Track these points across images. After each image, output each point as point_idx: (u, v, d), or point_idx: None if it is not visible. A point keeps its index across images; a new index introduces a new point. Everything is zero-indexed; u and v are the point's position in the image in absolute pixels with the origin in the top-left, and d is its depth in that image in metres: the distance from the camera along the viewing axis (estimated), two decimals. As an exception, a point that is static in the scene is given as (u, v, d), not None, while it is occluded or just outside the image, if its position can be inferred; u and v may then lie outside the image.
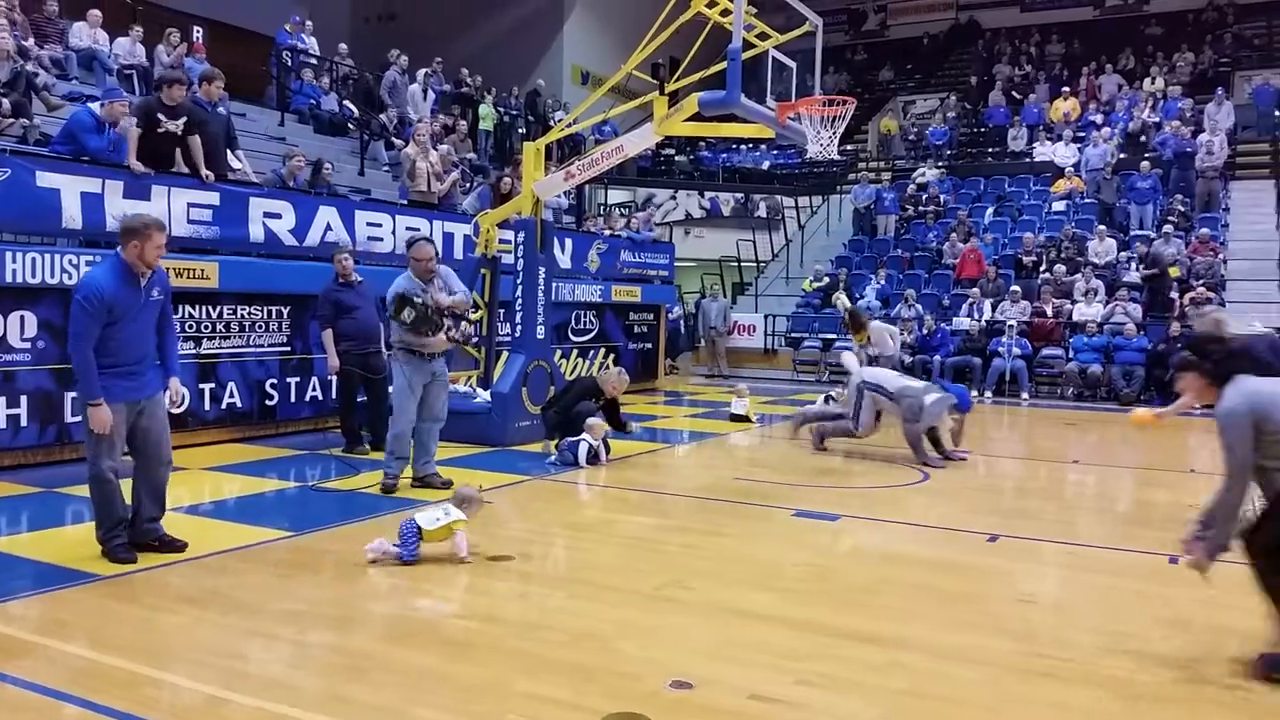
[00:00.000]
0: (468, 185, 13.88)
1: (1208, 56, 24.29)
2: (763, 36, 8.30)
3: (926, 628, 4.47)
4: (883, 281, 18.46)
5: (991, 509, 7.08)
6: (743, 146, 23.53)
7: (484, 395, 9.58)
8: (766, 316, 19.16)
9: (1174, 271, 16.23)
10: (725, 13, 8.13)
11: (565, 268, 13.18)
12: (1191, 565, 4.03)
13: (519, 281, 9.44)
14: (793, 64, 8.50)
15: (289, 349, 9.74)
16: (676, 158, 23.69)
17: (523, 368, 9.34)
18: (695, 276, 21.32)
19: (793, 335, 18.65)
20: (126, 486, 5.31)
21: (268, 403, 9.58)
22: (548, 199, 9.78)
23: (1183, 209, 18.41)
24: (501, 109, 19.71)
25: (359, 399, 8.81)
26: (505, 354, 9.76)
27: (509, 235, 9.76)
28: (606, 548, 5.92)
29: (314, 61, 17.09)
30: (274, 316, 9.61)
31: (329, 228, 10.13)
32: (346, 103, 16.86)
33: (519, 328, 9.55)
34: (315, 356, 9.79)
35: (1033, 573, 5.70)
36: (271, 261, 9.61)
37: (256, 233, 9.46)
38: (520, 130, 19.37)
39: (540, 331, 9.60)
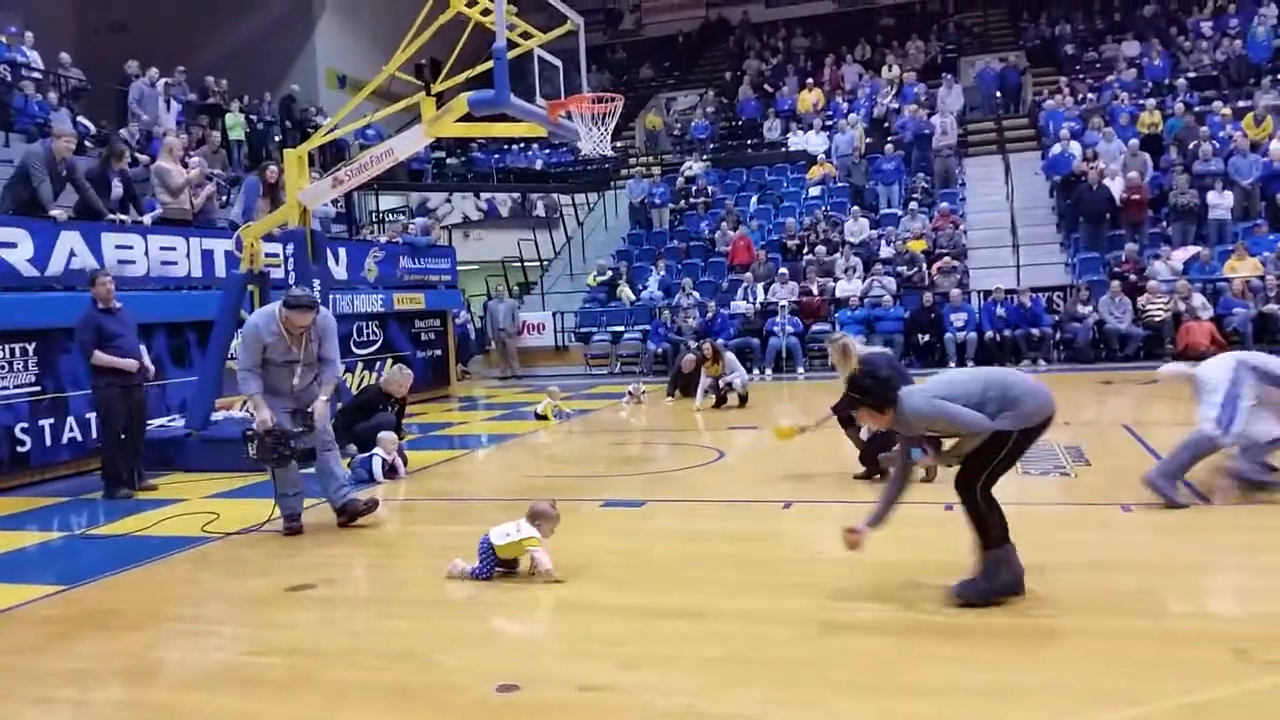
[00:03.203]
0: (225, 198, 13.11)
1: (935, 45, 26.44)
2: (526, 36, 8.30)
3: (736, 596, 4.65)
4: (663, 272, 18.96)
5: (781, 478, 7.42)
6: (515, 146, 23.52)
7: (266, 419, 9.08)
8: (554, 314, 19.25)
9: (919, 245, 17.59)
10: (486, 12, 8.08)
11: (341, 279, 12.72)
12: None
13: (293, 296, 9.00)
14: (559, 63, 8.57)
15: (39, 389, 8.88)
16: (448, 160, 23.34)
17: (306, 386, 8.91)
18: (479, 279, 21.11)
19: (582, 330, 18.84)
20: None
21: (19, 450, 8.69)
22: (315, 208, 9.38)
23: (925, 186, 19.98)
24: (253, 116, 18.73)
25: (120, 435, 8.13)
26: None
27: (276, 249, 9.30)
28: (415, 562, 5.75)
29: (38, 76, 15.62)
30: (18, 355, 8.73)
31: (73, 254, 9.30)
32: (82, 119, 15.51)
33: (298, 345, 9.10)
34: (70, 395, 8.98)
35: (824, 533, 6.03)
36: (9, 295, 8.72)
37: (-13, 265, 8.58)
38: (277, 138, 18.48)
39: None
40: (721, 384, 12.18)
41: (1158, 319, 14.78)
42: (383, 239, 15.08)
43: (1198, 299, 14.78)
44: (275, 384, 6.26)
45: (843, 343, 7.34)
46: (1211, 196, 16.76)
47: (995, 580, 4.27)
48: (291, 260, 9.00)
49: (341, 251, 13.13)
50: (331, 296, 10.35)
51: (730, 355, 12.68)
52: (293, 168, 8.99)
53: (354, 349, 13.26)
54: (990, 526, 4.28)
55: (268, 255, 9.54)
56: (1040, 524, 5.88)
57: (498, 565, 5.05)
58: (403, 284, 14.48)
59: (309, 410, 6.33)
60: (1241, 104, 19.53)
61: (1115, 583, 4.53)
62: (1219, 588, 4.24)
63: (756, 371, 15.81)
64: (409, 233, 15.82)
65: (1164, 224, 17.33)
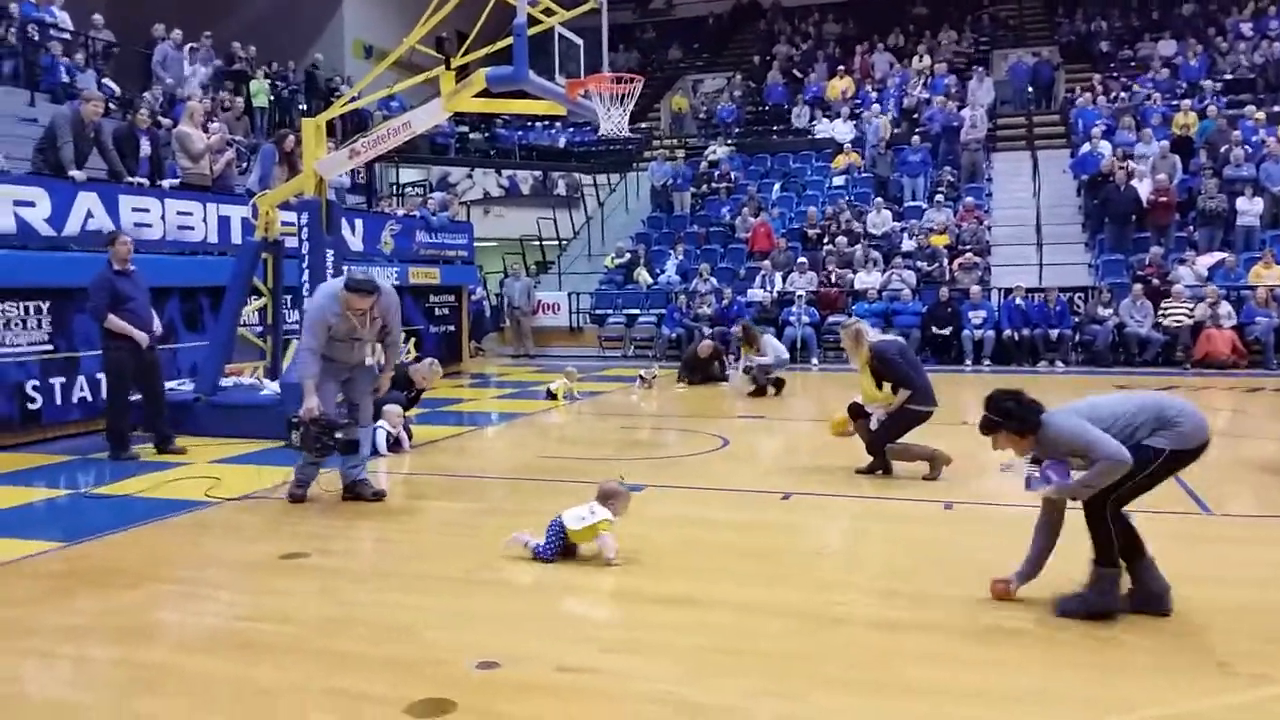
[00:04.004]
0: (244, 165, 13.14)
1: (968, 36, 26.12)
2: (548, 12, 8.23)
3: (729, 586, 4.63)
4: (681, 256, 18.89)
5: (785, 469, 7.39)
6: (539, 124, 23.43)
7: (272, 387, 9.13)
8: (570, 294, 19.22)
9: (942, 240, 17.43)
10: (509, -15, 8.02)
11: (357, 250, 12.73)
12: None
13: (305, 266, 9.01)
14: (580, 41, 8.49)
15: (51, 348, 8.94)
16: (471, 135, 23.28)
17: (314, 356, 8.93)
18: (497, 256, 21.12)
19: (597, 312, 18.82)
20: None
21: (30, 407, 8.77)
22: (331, 178, 9.37)
23: (951, 180, 19.78)
24: (280, 84, 18.74)
25: (131, 398, 8.18)
26: (293, 343, 9.32)
27: (291, 217, 9.31)
28: (414, 536, 5.78)
29: (66, 37, 15.67)
30: (32, 313, 8.79)
31: (90, 215, 9.34)
32: (107, 80, 15.57)
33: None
34: (82, 355, 9.04)
35: (823, 527, 6.01)
36: (26, 253, 8.78)
37: (7, 223, 8.63)
38: (301, 107, 18.49)
39: (332, 318, 9.21)
40: (756, 365, 11.99)
41: (1178, 325, 14.60)
42: (400, 212, 15.07)
43: (1224, 306, 14.58)
44: (337, 355, 6.31)
45: (855, 328, 7.31)
46: (1241, 202, 16.51)
47: (1099, 599, 4.06)
48: (306, 230, 9.01)
49: (358, 223, 13.14)
50: (346, 268, 10.38)
51: (769, 337, 12.49)
52: (310, 137, 8.98)
53: (367, 322, 13.27)
54: (1109, 544, 4.04)
55: (283, 224, 9.57)
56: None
57: (562, 548, 4.98)
58: (418, 258, 14.48)
59: (356, 403, 6.49)
60: (1277, 109, 19.20)
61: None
62: (1216, 599, 4.18)
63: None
64: (426, 207, 15.80)
65: (1191, 228, 17.09)
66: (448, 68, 8.20)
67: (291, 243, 9.40)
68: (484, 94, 8.00)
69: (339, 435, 6.22)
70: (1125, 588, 4.13)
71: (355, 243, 12.74)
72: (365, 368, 6.53)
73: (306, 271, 9.04)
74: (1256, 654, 3.69)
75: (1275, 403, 10.87)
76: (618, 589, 4.63)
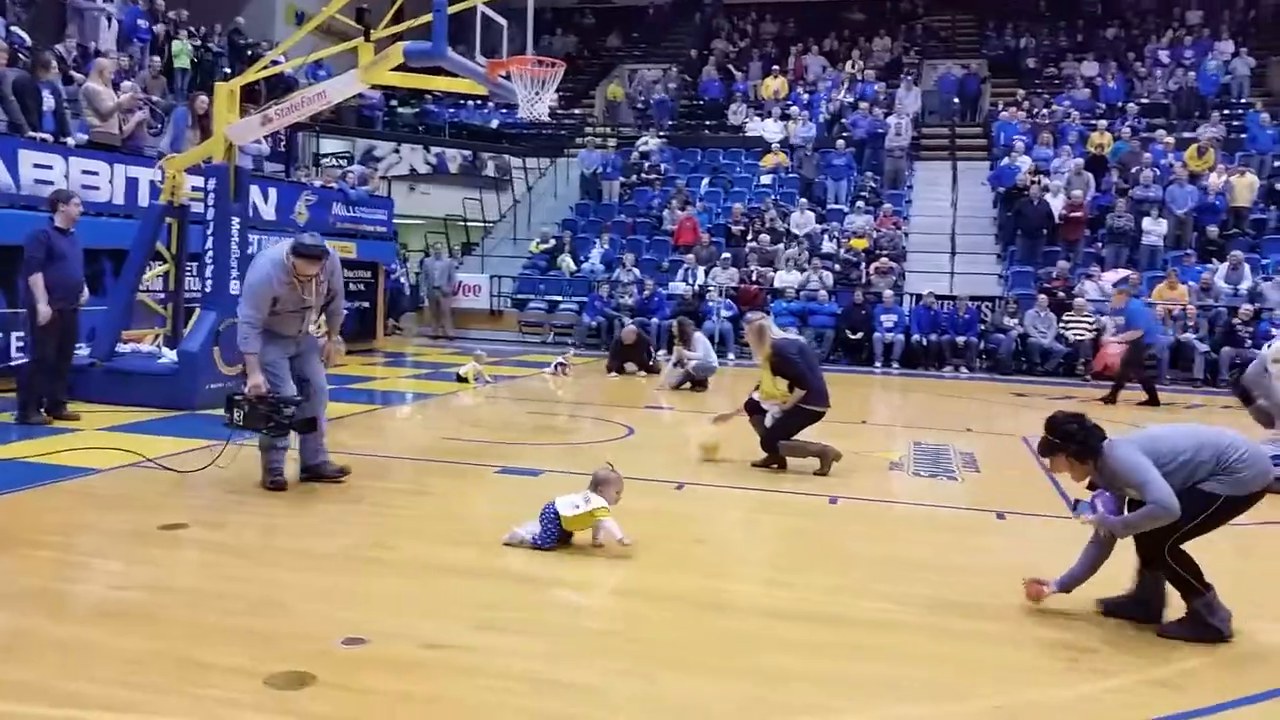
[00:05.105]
0: (158, 126, 12.77)
1: (900, 45, 26.58)
2: (473, -10, 8.18)
3: (611, 570, 4.70)
4: (606, 245, 18.91)
5: (684, 460, 7.48)
6: (471, 103, 23.16)
7: (170, 355, 8.93)
8: (492, 277, 19.11)
9: (861, 243, 17.76)
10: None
11: (270, 219, 12.48)
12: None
13: (210, 233, 8.82)
14: (504, 21, 8.45)
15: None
16: (400, 110, 22.91)
17: (214, 325, 8.74)
18: (420, 235, 20.86)
19: (519, 296, 18.75)
20: None
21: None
22: (244, 144, 9.18)
23: (873, 185, 20.15)
24: (207, 46, 18.20)
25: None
26: (196, 311, 9.13)
27: (199, 182, 9.10)
28: (303, 512, 5.69)
29: (-28, -19, 15.01)
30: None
31: (-14, 168, 9.02)
32: (17, 30, 14.95)
33: (210, 282, 8.91)
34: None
35: (713, 516, 6.11)
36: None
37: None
38: (226, 71, 18.00)
39: (234, 286, 9.02)
40: (686, 358, 12.05)
41: (1079, 338, 15.11)
42: (318, 183, 14.79)
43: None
44: (280, 329, 5.95)
45: (759, 324, 7.45)
46: (1146, 222, 17.16)
47: (1205, 629, 3.98)
48: (213, 196, 8.82)
49: (272, 192, 12.87)
50: (257, 239, 10.21)
51: (699, 335, 12.58)
52: (222, 101, 8.79)
53: (279, 293, 13.03)
54: (1190, 580, 3.98)
55: (191, 189, 9.34)
56: (915, 524, 6.04)
57: (559, 537, 4.91)
58: (334, 231, 14.23)
59: (307, 378, 6.11)
60: (1186, 135, 19.96)
61: (973, 585, 4.65)
62: (1075, 597, 4.36)
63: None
64: (345, 180, 15.54)
65: (1099, 245, 17.69)
66: (367, 39, 8.11)
67: (198, 208, 9.19)
68: (402, 68, 7.92)
69: (290, 413, 5.88)
70: (1125, 588, 4.19)
71: (269, 212, 12.49)
72: (311, 338, 6.21)
73: (211, 239, 8.86)
74: (1102, 650, 3.87)
75: (1167, 417, 11.32)
76: (502, 570, 4.66)
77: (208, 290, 9.00)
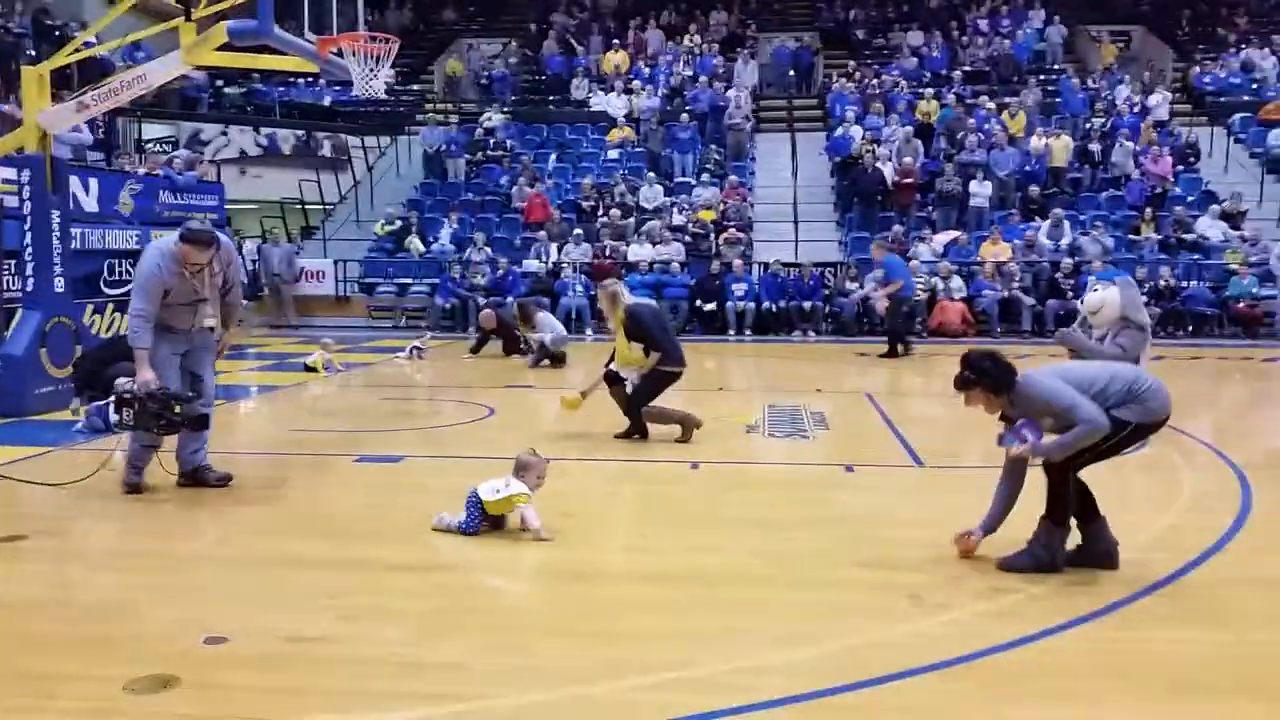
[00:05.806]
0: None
1: (736, 18, 27.06)
2: (300, -35, 7.91)
3: (465, 549, 4.73)
4: (455, 225, 18.63)
5: (546, 435, 7.52)
6: (302, 81, 22.28)
7: (-10, 358, 8.35)
8: (337, 262, 18.53)
9: (710, 215, 18.11)
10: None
11: (92, 211, 11.75)
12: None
13: (28, 228, 8.27)
14: (334, -2, 8.22)
15: None
16: (226, 90, 21.83)
17: (39, 326, 8.23)
18: (255, 220, 20.01)
19: (366, 281, 18.28)
20: None
21: None
22: (59, 133, 8.63)
23: (717, 158, 20.53)
24: (6, 28, 16.92)
25: None
26: (18, 311, 8.55)
27: (12, 174, 8.50)
28: (145, 516, 5.46)
29: None
30: None
31: None
32: None
33: (31, 280, 8.38)
34: None
35: (576, 489, 6.18)
36: None
37: None
38: (31, 53, 16.78)
39: (59, 284, 8.51)
40: (533, 340, 12.07)
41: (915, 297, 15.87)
42: (142, 171, 14.00)
43: (956, 281, 16.03)
44: (173, 322, 5.66)
45: (612, 290, 7.54)
46: (973, 185, 18.12)
47: (1046, 554, 4.23)
48: (28, 189, 8.27)
49: (93, 182, 12.05)
50: (80, 232, 9.63)
51: (544, 314, 12.60)
52: (31, 87, 8.24)
53: (105, 289, 12.29)
54: (1065, 504, 4.22)
55: (3, 182, 8.73)
56: (771, 483, 6.29)
57: (485, 521, 4.84)
58: (161, 220, 13.50)
59: (199, 375, 5.82)
60: (1007, 100, 21.15)
61: (823, 535, 4.90)
62: (915, 539, 4.64)
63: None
64: (171, 166, 14.76)
65: (930, 208, 18.59)
66: (188, 18, 7.75)
67: (11, 201, 8.59)
68: (227, 47, 7.60)
69: (180, 410, 5.54)
70: (1073, 545, 4.36)
71: (90, 203, 11.73)
72: (205, 333, 5.84)
73: (30, 234, 8.31)
74: (941, 586, 4.15)
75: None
76: (359, 559, 4.60)
77: (29, 289, 8.45)
